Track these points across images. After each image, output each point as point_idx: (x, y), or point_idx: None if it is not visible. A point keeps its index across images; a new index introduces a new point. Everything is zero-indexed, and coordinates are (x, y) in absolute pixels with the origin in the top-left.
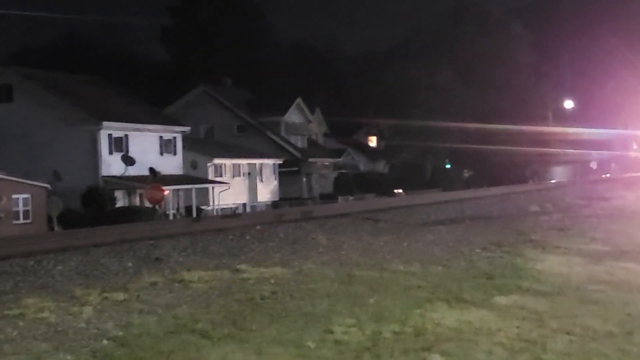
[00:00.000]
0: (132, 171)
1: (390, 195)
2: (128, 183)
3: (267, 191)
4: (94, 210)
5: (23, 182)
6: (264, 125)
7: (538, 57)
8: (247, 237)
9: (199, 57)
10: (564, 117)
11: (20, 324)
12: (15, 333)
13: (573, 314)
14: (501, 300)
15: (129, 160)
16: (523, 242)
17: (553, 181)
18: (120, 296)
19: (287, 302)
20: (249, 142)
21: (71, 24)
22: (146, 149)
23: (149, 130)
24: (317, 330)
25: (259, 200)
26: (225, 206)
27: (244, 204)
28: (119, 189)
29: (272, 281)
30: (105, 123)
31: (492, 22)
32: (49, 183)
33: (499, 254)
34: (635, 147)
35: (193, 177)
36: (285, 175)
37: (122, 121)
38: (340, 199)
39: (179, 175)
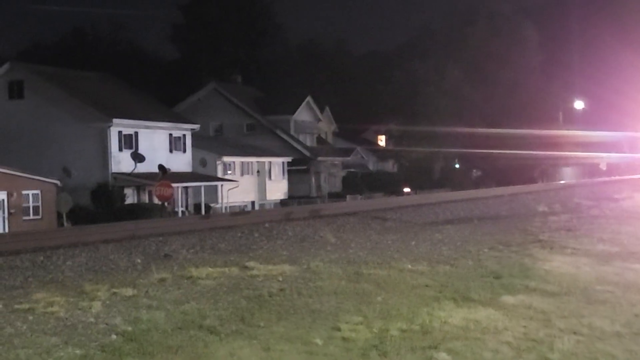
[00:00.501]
0: (142, 168)
1: (399, 195)
2: (137, 180)
3: (276, 189)
4: (103, 207)
5: (33, 178)
6: (274, 124)
7: (548, 58)
8: (256, 235)
9: (209, 55)
10: (574, 119)
11: (30, 318)
12: (24, 327)
13: (580, 314)
14: (508, 299)
15: (138, 157)
16: (531, 242)
17: (562, 182)
18: (129, 292)
19: (295, 299)
20: (258, 140)
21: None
22: (156, 146)
23: (159, 128)
24: (324, 327)
25: (267, 198)
26: (234, 204)
27: (253, 202)
28: (128, 185)
29: (280, 278)
30: (115, 120)
31: (501, 22)
32: (59, 179)
33: (507, 253)
34: None
35: (202, 174)
36: (294, 173)
37: (132, 118)
38: (348, 197)
39: (188, 173)
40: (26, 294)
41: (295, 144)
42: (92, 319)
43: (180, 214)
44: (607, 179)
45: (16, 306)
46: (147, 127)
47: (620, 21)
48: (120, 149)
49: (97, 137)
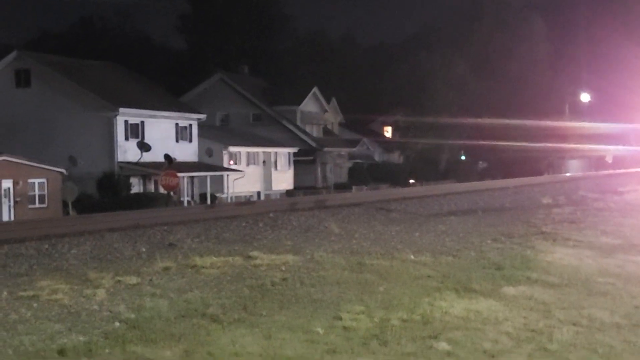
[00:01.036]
0: (148, 157)
1: (404, 186)
2: (143, 169)
3: (281, 180)
4: (109, 196)
5: (39, 167)
6: (280, 114)
7: (554, 51)
8: (260, 225)
9: (216, 45)
10: (580, 111)
11: (34, 305)
12: (29, 314)
13: (581, 305)
14: (509, 290)
15: (144, 147)
16: (534, 234)
17: (568, 174)
18: (133, 280)
19: (298, 288)
20: (264, 131)
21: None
22: (162, 135)
23: (165, 117)
24: (326, 316)
25: (273, 188)
26: (239, 194)
27: (259, 192)
28: (134, 175)
29: (283, 268)
30: (121, 109)
31: (508, 15)
32: (65, 168)
33: (510, 245)
34: None
35: (208, 164)
36: (300, 164)
37: (138, 108)
38: (354, 188)
39: (194, 163)
40: (31, 282)
41: (301, 135)
42: (96, 307)
43: (185, 204)
44: (612, 171)
45: (21, 293)
46: (153, 117)
47: (627, 14)
48: (127, 138)
49: (104, 126)
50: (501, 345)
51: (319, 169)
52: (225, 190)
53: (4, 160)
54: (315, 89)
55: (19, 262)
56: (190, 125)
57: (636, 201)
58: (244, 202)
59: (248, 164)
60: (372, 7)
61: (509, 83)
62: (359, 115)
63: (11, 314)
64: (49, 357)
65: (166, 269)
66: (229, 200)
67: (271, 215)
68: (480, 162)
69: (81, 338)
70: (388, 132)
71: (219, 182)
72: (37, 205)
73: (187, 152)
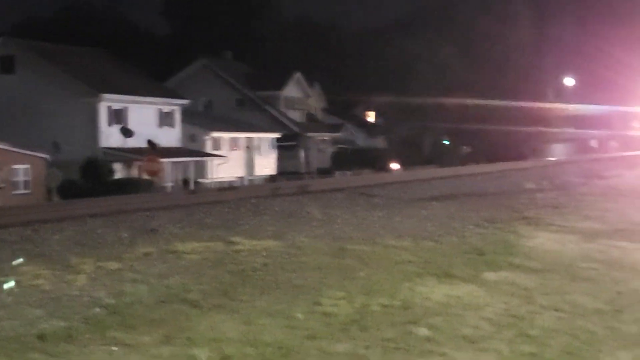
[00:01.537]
0: (131, 143)
1: (388, 171)
2: (127, 155)
3: (264, 165)
4: (92, 182)
5: (23, 153)
6: (263, 100)
7: (539, 34)
8: (243, 210)
9: (199, 30)
10: (564, 95)
11: (16, 290)
12: (10, 299)
13: (563, 290)
14: (490, 276)
15: (127, 132)
16: (517, 219)
17: (552, 159)
18: (114, 265)
19: (278, 274)
20: (247, 116)
21: None
22: (145, 121)
23: (148, 103)
24: (306, 302)
25: (256, 174)
26: (222, 179)
27: (242, 178)
28: (117, 160)
29: (265, 253)
30: (105, 95)
31: None
32: (48, 154)
33: (492, 230)
34: (636, 125)
35: (191, 149)
36: (283, 149)
37: (121, 93)
38: (337, 173)
39: (177, 148)
40: (12, 268)
41: (284, 120)
42: (76, 292)
43: (169, 189)
44: (597, 156)
45: (2, 279)
46: (136, 102)
47: None
48: (110, 124)
49: (87, 112)
50: (482, 331)
51: (302, 154)
52: (208, 176)
53: None
54: (298, 75)
55: (1, 247)
56: (174, 110)
57: (620, 186)
58: (227, 188)
59: (231, 149)
60: None
61: (493, 66)
62: (342, 100)
63: None
64: (29, 342)
65: (147, 254)
66: (212, 185)
67: (253, 200)
68: (464, 147)
69: (61, 323)
70: (371, 117)
71: (201, 168)
72: (21, 191)
73: (170, 137)
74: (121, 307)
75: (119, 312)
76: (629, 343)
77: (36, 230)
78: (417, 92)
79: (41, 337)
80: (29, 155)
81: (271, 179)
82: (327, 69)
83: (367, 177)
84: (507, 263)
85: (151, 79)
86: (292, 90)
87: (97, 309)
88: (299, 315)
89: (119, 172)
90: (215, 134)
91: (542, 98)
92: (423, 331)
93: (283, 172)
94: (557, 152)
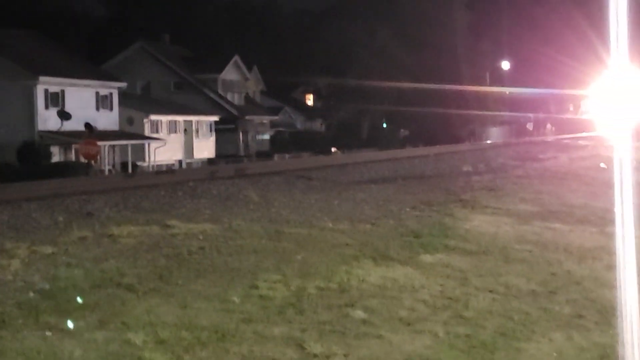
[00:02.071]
0: (69, 126)
1: (326, 154)
2: (64, 138)
3: (203, 148)
4: (29, 165)
5: None
6: (201, 82)
7: (476, 17)
8: (180, 194)
9: (137, 13)
10: (501, 78)
11: None
12: None
13: (498, 272)
14: (427, 258)
15: (65, 116)
16: (453, 201)
17: (489, 142)
18: (49, 250)
19: (214, 257)
20: (185, 99)
21: None
22: (83, 104)
23: (86, 86)
24: (242, 285)
25: (195, 157)
26: (161, 162)
27: (180, 161)
28: (54, 144)
29: (201, 237)
30: (41, 78)
31: None
32: None
33: (428, 213)
34: (571, 108)
35: (129, 133)
36: (221, 132)
37: (58, 76)
38: (276, 156)
39: (115, 131)
40: None
41: (222, 103)
42: (10, 277)
43: (106, 173)
44: (533, 138)
45: None
46: (74, 85)
47: None
48: (47, 107)
49: (24, 95)
50: (417, 313)
51: (240, 137)
52: (147, 159)
53: None
54: (236, 57)
55: None
56: (111, 93)
57: (555, 168)
58: (164, 171)
59: (169, 132)
60: None
61: (431, 50)
62: (281, 83)
63: None
64: None
65: (83, 238)
66: (151, 168)
67: (191, 184)
68: (402, 130)
69: None
70: (310, 100)
71: (140, 151)
72: None
73: (108, 120)
74: (55, 291)
75: (53, 297)
76: (562, 324)
77: None
78: (356, 75)
79: None
80: None
81: (210, 162)
82: (265, 52)
83: (305, 160)
84: (443, 245)
85: (88, 62)
86: (231, 73)
87: (31, 294)
88: (235, 299)
89: (56, 155)
90: (154, 117)
91: (479, 81)
92: (359, 314)
93: (222, 155)
94: (494, 135)
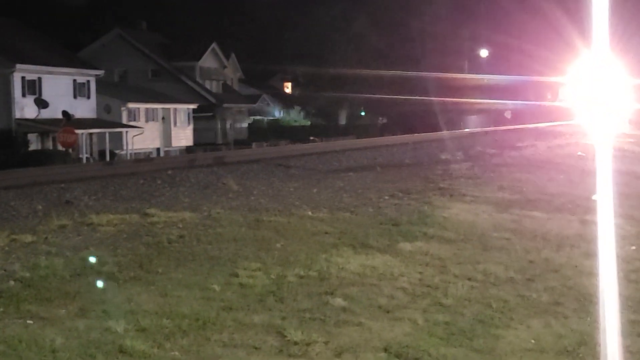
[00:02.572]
0: (46, 114)
1: (304, 142)
2: (41, 126)
3: (181, 136)
4: (6, 154)
5: None
6: (179, 70)
7: (455, 4)
8: (158, 182)
9: (114, 0)
10: (479, 66)
11: None
12: None
13: (476, 260)
14: (406, 246)
15: (42, 103)
16: (431, 189)
17: (467, 130)
18: (29, 238)
19: (194, 246)
20: (163, 87)
21: None
22: (60, 92)
23: (63, 74)
24: (222, 273)
25: (173, 145)
26: (139, 151)
27: (158, 149)
28: (32, 132)
29: (180, 225)
30: (18, 65)
31: None
32: None
33: (407, 201)
34: (549, 96)
35: (107, 121)
36: (200, 120)
37: (35, 64)
38: (254, 145)
39: (92, 119)
40: None
41: (200, 91)
42: None
43: (84, 161)
44: (511, 127)
45: None
46: (50, 73)
47: None
48: (24, 95)
49: (0, 82)
50: (397, 300)
51: (218, 125)
52: (125, 147)
53: None
54: (214, 45)
55: None
56: (88, 81)
57: (533, 156)
58: (143, 159)
59: (147, 121)
60: None
61: (409, 38)
62: (259, 71)
63: None
64: None
65: (62, 227)
66: (128, 157)
67: (169, 172)
68: (380, 118)
69: None
70: (288, 87)
71: (118, 139)
72: None
73: (85, 108)
74: (36, 280)
75: (33, 286)
76: (540, 311)
77: None
78: (334, 63)
79: None
80: None
81: (188, 150)
82: (243, 39)
83: (283, 148)
84: (421, 233)
85: (66, 50)
86: (209, 60)
87: (12, 282)
88: (215, 287)
89: (33, 143)
90: (131, 105)
91: (457, 69)
92: (339, 301)
93: (200, 144)
94: (472, 123)
